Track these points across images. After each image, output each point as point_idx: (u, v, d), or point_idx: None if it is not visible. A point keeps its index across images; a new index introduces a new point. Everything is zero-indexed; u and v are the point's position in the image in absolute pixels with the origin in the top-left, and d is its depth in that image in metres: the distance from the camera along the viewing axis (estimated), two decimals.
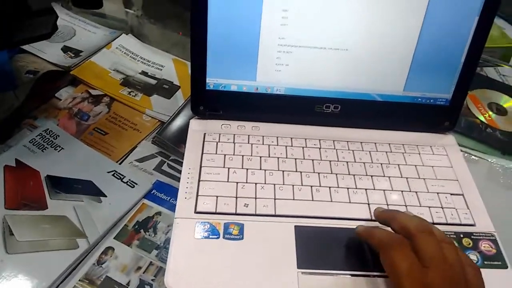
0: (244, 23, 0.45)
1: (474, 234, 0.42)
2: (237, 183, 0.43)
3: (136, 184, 0.48)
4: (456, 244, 0.41)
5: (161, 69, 0.65)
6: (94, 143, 0.53)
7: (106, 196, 0.46)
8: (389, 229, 0.37)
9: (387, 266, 0.34)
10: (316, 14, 0.44)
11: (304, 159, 0.46)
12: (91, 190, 0.46)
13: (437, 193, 0.45)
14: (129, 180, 0.48)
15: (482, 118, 0.63)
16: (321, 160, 0.47)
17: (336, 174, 0.45)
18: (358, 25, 0.45)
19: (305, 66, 0.47)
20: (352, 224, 0.41)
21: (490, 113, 0.65)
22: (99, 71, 0.62)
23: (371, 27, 0.45)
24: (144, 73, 0.64)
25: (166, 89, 0.62)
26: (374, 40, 0.46)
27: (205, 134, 0.48)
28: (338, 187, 0.44)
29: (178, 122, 0.55)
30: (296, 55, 0.46)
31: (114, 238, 0.43)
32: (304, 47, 0.46)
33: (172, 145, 0.52)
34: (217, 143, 0.47)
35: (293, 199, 0.43)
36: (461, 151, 0.55)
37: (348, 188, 0.44)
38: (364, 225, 0.40)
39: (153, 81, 0.63)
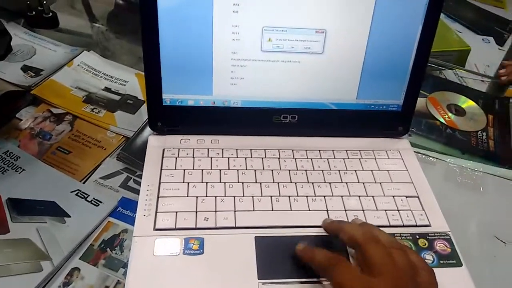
0: (196, 39, 0.45)
1: (430, 234, 0.44)
2: (197, 197, 0.43)
3: (101, 202, 0.48)
4: (412, 246, 0.42)
5: (124, 84, 0.65)
6: (57, 162, 0.52)
7: (70, 216, 0.46)
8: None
9: (334, 286, 0.34)
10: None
11: (263, 169, 0.47)
12: (54, 211, 0.46)
13: (393, 196, 0.47)
14: (94, 198, 0.48)
15: (442, 120, 0.65)
16: (280, 170, 0.47)
17: (296, 183, 0.46)
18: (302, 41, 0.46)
19: (260, 79, 0.48)
20: (312, 232, 0.42)
21: (450, 114, 0.67)
22: (61, 89, 0.62)
23: (320, 38, 0.46)
24: (107, 89, 0.64)
25: (130, 104, 0.62)
26: (324, 51, 0.47)
27: (164, 149, 0.48)
28: (297, 195, 0.45)
29: (143, 137, 0.55)
30: (249, 68, 0.47)
31: (80, 258, 0.43)
32: (256, 60, 0.46)
33: (137, 161, 0.52)
34: (176, 158, 0.47)
35: (253, 210, 0.43)
36: (420, 153, 0.57)
37: (307, 196, 0.45)
38: (301, 245, 0.40)
39: (117, 97, 0.63)
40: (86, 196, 0.48)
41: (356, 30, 0.46)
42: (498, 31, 0.96)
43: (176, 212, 0.42)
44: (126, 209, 0.48)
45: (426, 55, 0.48)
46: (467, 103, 0.70)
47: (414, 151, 0.55)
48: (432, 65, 0.75)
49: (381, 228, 0.43)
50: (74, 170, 0.52)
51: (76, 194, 0.48)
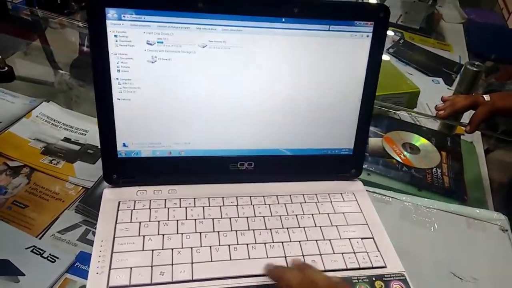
0: (149, 92, 0.46)
1: (385, 276, 0.45)
2: (152, 250, 0.43)
3: (57, 258, 0.47)
4: None
5: (85, 134, 0.65)
6: (12, 217, 0.51)
7: (24, 275, 0.44)
8: None
9: None
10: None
11: (221, 218, 0.47)
12: (7, 270, 0.44)
13: (349, 238, 0.48)
14: (50, 254, 0.47)
15: (398, 158, 0.68)
16: (238, 217, 0.48)
17: (254, 230, 0.47)
18: (255, 91, 0.49)
19: (215, 129, 0.49)
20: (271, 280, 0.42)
21: (405, 153, 0.70)
22: (18, 141, 0.61)
23: (268, 91, 0.49)
24: (67, 139, 0.63)
25: (90, 154, 0.62)
26: (275, 103, 0.49)
27: (119, 202, 0.48)
28: (255, 243, 0.45)
29: (103, 187, 0.54)
30: (204, 119, 0.48)
31: None
32: (210, 113, 0.48)
33: (96, 212, 0.51)
34: (132, 211, 0.47)
35: (211, 261, 0.43)
36: (375, 192, 0.59)
37: (265, 243, 0.46)
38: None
39: (77, 147, 0.62)
40: (42, 252, 0.47)
41: (305, 82, 0.49)
42: (446, 72, 1.02)
43: (131, 268, 0.41)
44: (84, 264, 0.47)
45: (371, 101, 0.51)
46: (420, 141, 0.73)
47: (370, 191, 0.57)
48: (384, 108, 0.79)
49: (338, 272, 0.44)
50: (30, 225, 0.50)
51: (32, 251, 0.47)
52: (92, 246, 0.47)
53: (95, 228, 0.50)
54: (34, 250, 0.47)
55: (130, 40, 0.44)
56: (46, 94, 0.71)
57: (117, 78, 0.45)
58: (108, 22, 0.43)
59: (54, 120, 0.66)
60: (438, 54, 1.10)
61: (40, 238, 0.49)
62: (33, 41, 0.89)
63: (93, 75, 0.44)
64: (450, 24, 1.29)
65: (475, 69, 0.73)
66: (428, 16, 1.22)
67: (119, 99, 0.46)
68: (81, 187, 0.56)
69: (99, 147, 0.61)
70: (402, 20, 1.20)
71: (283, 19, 0.46)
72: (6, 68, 0.54)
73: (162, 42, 0.45)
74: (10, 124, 0.63)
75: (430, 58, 1.08)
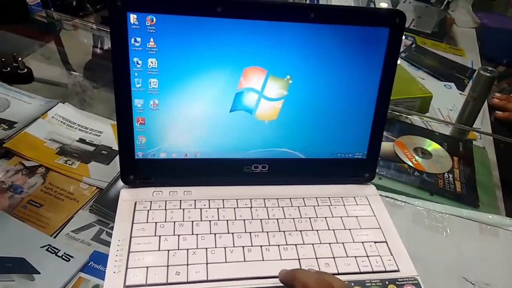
0: (167, 96, 0.47)
1: (399, 280, 0.45)
2: (168, 250, 0.43)
3: (72, 257, 0.47)
4: None
5: (99, 135, 0.65)
6: (28, 216, 0.52)
7: (39, 273, 0.45)
8: None
9: None
10: None
11: (235, 219, 0.48)
12: (23, 268, 0.45)
13: (362, 242, 0.48)
14: (64, 253, 0.47)
15: (409, 163, 0.68)
16: (252, 219, 0.48)
17: (267, 232, 0.47)
18: (271, 96, 0.49)
19: (230, 133, 0.50)
20: None
21: (417, 157, 0.69)
22: (34, 141, 0.62)
23: (284, 96, 0.49)
24: (81, 140, 0.64)
25: (104, 155, 0.62)
26: (290, 107, 0.50)
27: (136, 203, 0.48)
28: (269, 245, 0.46)
29: (117, 188, 0.55)
30: (220, 123, 0.49)
31: None
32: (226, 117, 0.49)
33: (110, 212, 0.52)
34: (148, 211, 0.47)
35: (226, 262, 0.43)
36: (388, 197, 0.59)
37: (279, 245, 0.46)
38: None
39: (91, 148, 0.63)
40: (56, 251, 0.47)
41: (321, 86, 0.50)
42: (458, 77, 1.02)
43: (147, 267, 0.42)
44: (98, 264, 0.47)
45: (386, 105, 0.51)
46: (432, 146, 0.73)
47: (383, 195, 0.57)
48: (396, 112, 0.79)
49: (352, 275, 0.44)
50: (46, 224, 0.51)
51: (47, 249, 0.47)
52: (106, 245, 0.48)
53: (109, 228, 0.51)
54: (49, 249, 0.47)
55: (151, 47, 0.44)
56: (60, 96, 0.72)
57: (137, 85, 0.46)
58: (129, 26, 0.43)
59: (70, 121, 0.67)
60: (450, 59, 1.09)
61: (54, 237, 0.50)
62: (47, 42, 0.90)
63: (114, 78, 0.45)
64: (463, 28, 1.28)
65: (488, 74, 0.73)
66: (440, 21, 1.22)
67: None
68: (95, 187, 0.56)
69: (113, 148, 0.63)
70: (414, 25, 1.19)
71: (300, 24, 0.46)
72: (26, 70, 0.55)
73: (182, 47, 0.45)
74: (26, 124, 0.64)
75: (442, 63, 1.07)
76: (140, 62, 0.45)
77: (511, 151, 0.78)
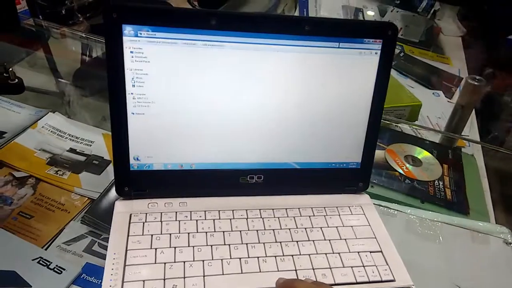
0: (163, 107, 0.47)
1: None
2: (165, 263, 0.43)
3: (64, 269, 0.46)
4: None
5: (90, 145, 0.65)
6: (18, 228, 0.51)
7: (31, 286, 0.44)
8: None
9: None
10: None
11: (232, 231, 0.48)
12: (13, 281, 0.44)
13: (358, 252, 0.48)
14: (56, 265, 0.47)
15: (400, 170, 0.69)
16: (248, 230, 0.48)
17: (264, 243, 0.47)
18: (266, 106, 0.50)
19: (226, 143, 0.50)
20: None
21: (407, 165, 0.70)
22: (24, 152, 0.61)
23: (278, 106, 0.50)
24: (72, 150, 0.63)
25: (96, 165, 0.62)
26: (285, 117, 0.50)
27: (131, 215, 0.48)
28: (266, 256, 0.46)
29: (109, 198, 0.54)
30: (216, 134, 0.49)
31: None
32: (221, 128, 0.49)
33: (102, 223, 0.51)
34: (143, 224, 0.47)
35: (223, 274, 0.43)
36: (381, 205, 0.60)
37: (275, 256, 0.46)
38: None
39: (82, 158, 0.62)
40: (48, 263, 0.47)
41: (315, 97, 0.50)
42: (446, 85, 1.04)
43: (144, 281, 0.41)
44: (90, 276, 0.47)
45: (379, 115, 0.52)
46: (422, 154, 0.74)
47: (376, 204, 0.58)
48: (386, 121, 0.80)
49: (348, 286, 0.44)
50: (36, 236, 0.50)
51: (38, 262, 0.47)
52: (98, 257, 0.48)
53: (101, 239, 0.50)
54: (41, 261, 0.47)
55: (145, 56, 0.44)
56: (49, 104, 0.71)
57: (131, 93, 0.45)
58: (124, 38, 0.43)
59: (60, 131, 0.66)
60: (438, 67, 1.11)
61: (46, 249, 0.49)
62: (36, 51, 0.89)
63: (109, 89, 0.45)
64: (449, 37, 1.31)
65: (476, 83, 0.74)
66: (427, 30, 1.24)
67: (133, 113, 0.46)
68: (86, 198, 0.56)
69: (105, 158, 0.62)
70: (402, 33, 1.21)
71: (294, 37, 0.47)
72: (16, 80, 0.54)
73: (176, 58, 0.45)
74: (16, 134, 0.63)
75: (430, 71, 1.09)
76: (135, 73, 0.45)
77: (499, 158, 0.80)
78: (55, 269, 0.46)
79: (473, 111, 0.84)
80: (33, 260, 0.47)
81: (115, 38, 0.43)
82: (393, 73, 1.05)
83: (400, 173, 0.68)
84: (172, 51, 0.45)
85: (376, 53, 0.49)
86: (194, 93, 0.47)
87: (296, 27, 0.47)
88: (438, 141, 0.81)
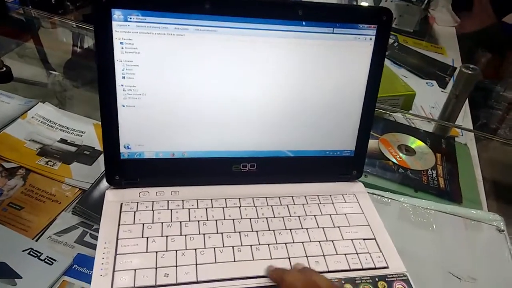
0: (153, 97, 0.46)
1: (388, 276, 0.45)
2: (156, 252, 0.43)
3: (55, 260, 0.46)
4: None
5: (81, 135, 0.64)
6: (8, 220, 0.50)
7: (21, 278, 0.44)
8: None
9: None
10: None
11: (224, 219, 0.47)
12: (4, 272, 0.44)
13: (351, 239, 0.48)
14: (47, 256, 0.46)
15: (394, 160, 0.69)
16: (241, 218, 0.48)
17: (257, 232, 0.47)
18: (259, 94, 0.49)
19: (218, 131, 0.49)
20: None
21: (401, 154, 0.70)
22: (14, 142, 0.60)
23: (272, 93, 0.49)
24: (63, 140, 0.63)
25: (87, 155, 0.61)
26: (278, 105, 0.50)
27: (122, 204, 0.47)
28: (259, 244, 0.45)
29: (100, 189, 0.54)
30: (207, 122, 0.48)
31: None
32: (215, 114, 0.48)
33: (94, 214, 0.51)
34: (134, 213, 0.46)
35: (215, 262, 0.43)
36: (374, 194, 0.59)
37: (269, 245, 0.46)
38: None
39: (73, 148, 0.62)
40: (39, 254, 0.46)
41: (308, 84, 0.49)
42: (440, 75, 1.04)
43: (135, 270, 0.41)
44: (82, 267, 0.46)
45: (373, 103, 0.52)
46: (416, 143, 0.74)
47: (370, 192, 0.58)
48: (380, 110, 0.80)
49: (342, 273, 0.44)
50: (27, 227, 0.50)
51: (28, 253, 0.46)
52: (90, 248, 0.47)
53: (93, 230, 0.50)
54: (31, 253, 0.46)
55: (136, 47, 0.44)
56: (39, 95, 0.71)
57: (122, 85, 0.45)
58: (114, 23, 0.42)
59: (50, 121, 0.65)
60: (432, 57, 1.11)
61: (36, 240, 0.48)
62: (25, 41, 0.88)
63: (98, 80, 0.44)
64: (443, 27, 1.31)
65: (470, 72, 0.74)
66: (421, 20, 1.24)
67: (124, 106, 0.46)
68: (78, 189, 0.55)
69: (96, 148, 0.61)
70: (396, 23, 1.21)
71: (288, 22, 0.46)
72: (4, 69, 0.53)
73: (168, 46, 0.44)
74: (5, 125, 0.62)
75: (424, 61, 1.09)
76: (124, 59, 0.44)
77: (492, 147, 0.80)
78: (46, 260, 0.46)
79: (467, 100, 0.84)
80: (23, 251, 0.46)
81: (104, 23, 0.42)
82: (387, 62, 1.04)
83: (393, 162, 0.68)
84: (163, 39, 0.44)
85: (370, 38, 0.49)
86: (186, 81, 0.46)
87: (289, 12, 0.46)
88: (431, 131, 0.81)
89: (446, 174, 0.68)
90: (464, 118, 0.87)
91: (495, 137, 0.81)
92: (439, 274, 0.51)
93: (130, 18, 0.43)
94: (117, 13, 0.42)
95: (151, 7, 0.43)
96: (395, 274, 0.45)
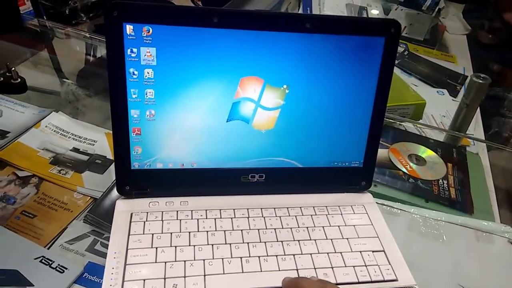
0: (164, 108, 0.47)
1: None
2: (165, 262, 0.43)
3: (66, 268, 0.46)
4: None
5: (93, 144, 0.65)
6: (21, 227, 0.51)
7: (33, 285, 0.44)
8: None
9: None
10: None
11: (233, 230, 0.47)
12: (16, 280, 0.44)
13: (360, 251, 0.48)
14: (59, 265, 0.47)
15: (404, 170, 0.68)
16: (249, 229, 0.48)
17: (265, 242, 0.47)
18: (267, 105, 0.49)
19: (227, 142, 0.50)
20: None
21: (411, 164, 0.70)
22: (27, 151, 0.61)
23: (280, 105, 0.49)
24: (75, 149, 0.63)
25: (99, 164, 0.62)
26: (287, 116, 0.50)
27: (132, 214, 0.48)
28: (267, 255, 0.45)
29: (111, 198, 0.54)
30: (217, 133, 0.49)
31: None
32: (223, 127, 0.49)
33: (105, 222, 0.51)
34: (144, 223, 0.47)
35: (223, 273, 0.43)
36: (384, 204, 0.59)
37: (277, 256, 0.46)
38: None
39: (85, 157, 0.62)
40: (50, 262, 0.47)
41: (317, 95, 0.50)
42: (451, 84, 1.03)
43: (144, 280, 0.41)
44: (92, 275, 0.47)
45: (382, 114, 0.51)
46: (426, 153, 0.73)
47: (379, 203, 0.57)
48: (390, 120, 0.80)
49: (350, 285, 0.44)
50: (39, 235, 0.50)
51: (40, 261, 0.47)
52: (101, 256, 0.48)
53: (104, 238, 0.50)
54: (43, 261, 0.47)
55: (148, 60, 0.44)
56: (53, 104, 0.72)
57: (133, 97, 0.46)
58: (125, 37, 0.43)
59: (63, 130, 0.66)
60: (443, 66, 1.10)
61: (48, 248, 0.49)
62: (40, 50, 0.90)
63: (110, 92, 0.45)
64: (454, 35, 1.30)
65: (481, 81, 0.73)
66: (432, 28, 1.23)
67: (135, 117, 0.47)
68: (89, 197, 0.56)
69: (108, 157, 0.62)
70: (406, 32, 1.21)
71: (296, 34, 0.46)
72: (19, 80, 0.54)
73: (178, 57, 0.45)
74: (19, 134, 0.63)
75: (435, 70, 1.08)
76: (136, 72, 0.45)
77: (504, 157, 0.79)
78: (58, 268, 0.46)
79: (478, 109, 0.83)
80: (35, 259, 0.47)
81: (116, 37, 0.43)
82: (398, 71, 1.04)
83: (404, 172, 0.68)
84: (174, 53, 0.45)
85: (379, 50, 0.49)
86: (196, 93, 0.47)
87: (298, 25, 0.46)
88: (442, 140, 0.80)
89: (457, 184, 0.67)
90: (476, 126, 0.86)
91: (507, 147, 0.80)
92: (449, 286, 0.50)
93: (142, 32, 0.44)
94: (128, 27, 0.43)
95: (162, 21, 0.44)
96: (404, 287, 0.45)
